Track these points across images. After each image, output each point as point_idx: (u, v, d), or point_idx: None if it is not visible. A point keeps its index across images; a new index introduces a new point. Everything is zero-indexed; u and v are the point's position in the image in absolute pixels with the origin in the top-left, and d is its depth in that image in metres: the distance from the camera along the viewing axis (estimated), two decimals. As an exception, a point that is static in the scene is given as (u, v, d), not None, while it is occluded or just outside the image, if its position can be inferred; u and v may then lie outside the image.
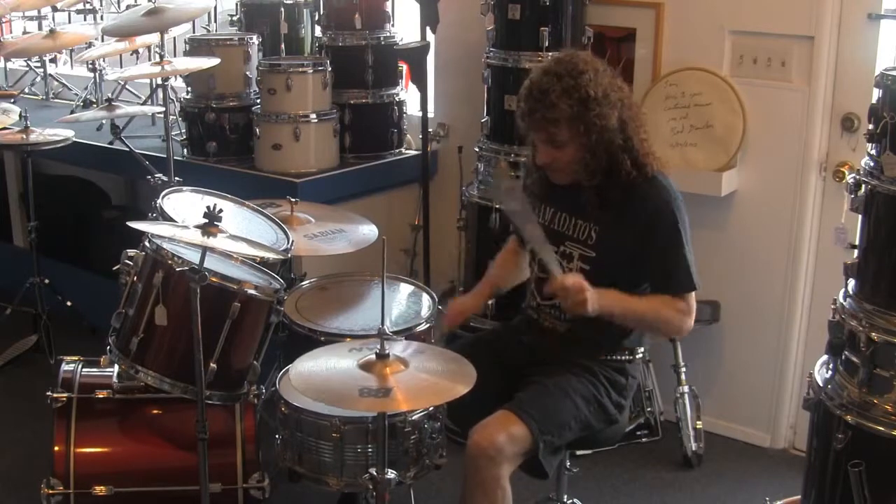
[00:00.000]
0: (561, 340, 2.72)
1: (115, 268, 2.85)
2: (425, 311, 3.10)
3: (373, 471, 2.48)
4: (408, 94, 4.41)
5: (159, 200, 2.97)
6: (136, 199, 5.39)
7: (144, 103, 4.89)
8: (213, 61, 3.81)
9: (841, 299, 2.28)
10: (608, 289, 2.54)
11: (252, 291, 2.70)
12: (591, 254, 2.63)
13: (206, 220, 2.44)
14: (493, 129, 3.82)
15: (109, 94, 4.47)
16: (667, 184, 2.62)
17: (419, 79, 4.09)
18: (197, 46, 4.16)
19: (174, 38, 4.70)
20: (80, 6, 5.35)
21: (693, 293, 2.59)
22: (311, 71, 4.05)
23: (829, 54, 3.41)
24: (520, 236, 2.93)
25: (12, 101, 4.86)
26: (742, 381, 3.81)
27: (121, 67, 5.26)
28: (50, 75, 5.46)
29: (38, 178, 4.53)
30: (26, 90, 5.59)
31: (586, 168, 2.57)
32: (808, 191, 3.54)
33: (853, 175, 2.24)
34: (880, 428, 2.11)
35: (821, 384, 2.27)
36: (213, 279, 2.58)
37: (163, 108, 3.88)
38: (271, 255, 2.75)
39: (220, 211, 2.45)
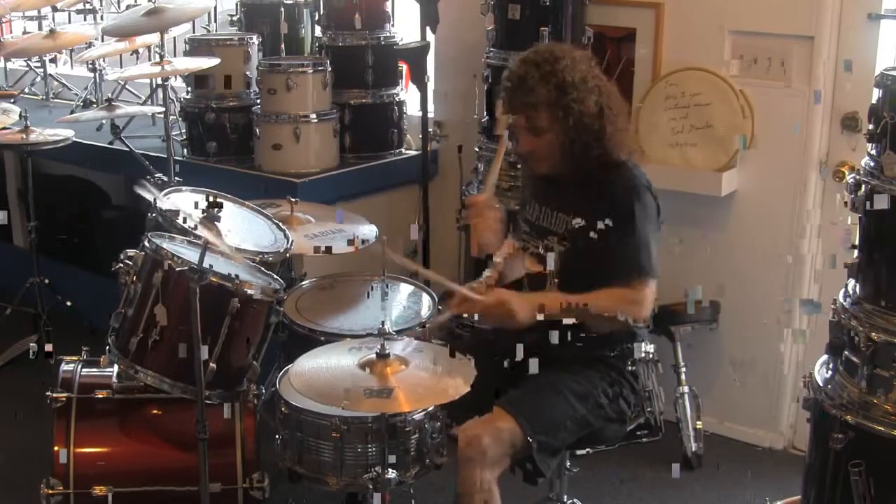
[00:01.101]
0: (556, 334, 2.70)
1: (114, 268, 2.85)
2: (425, 311, 3.10)
3: (373, 471, 2.48)
4: (408, 94, 4.41)
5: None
6: (137, 199, 5.36)
7: (144, 103, 4.89)
8: (213, 61, 3.81)
9: (841, 299, 2.28)
10: (548, 291, 2.58)
11: (252, 291, 2.70)
12: (567, 245, 2.66)
13: (206, 216, 2.43)
14: (492, 129, 3.81)
15: (109, 94, 4.47)
16: (635, 171, 2.63)
17: (419, 79, 4.09)
18: (197, 46, 4.16)
19: (174, 38, 4.70)
20: (80, 6, 5.35)
21: (650, 282, 2.55)
22: (311, 71, 4.05)
23: (829, 54, 3.41)
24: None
25: (12, 101, 4.85)
26: (742, 381, 3.80)
27: (121, 67, 5.26)
28: (50, 75, 5.46)
29: (38, 178, 4.53)
30: (26, 90, 5.59)
31: (565, 154, 2.60)
32: (808, 191, 3.54)
33: (853, 175, 2.24)
34: (880, 428, 2.11)
35: (821, 384, 2.27)
36: (213, 279, 2.58)
37: (163, 108, 3.88)
38: (271, 255, 2.74)
39: (220, 209, 2.44)
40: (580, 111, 2.55)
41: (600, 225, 2.58)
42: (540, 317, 2.50)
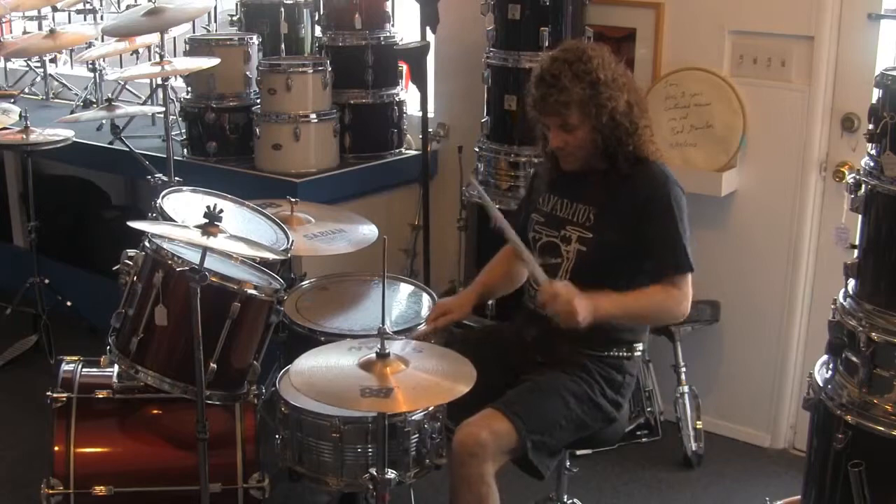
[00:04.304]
0: (558, 330, 2.71)
1: (115, 268, 2.85)
2: (425, 311, 3.10)
3: (373, 471, 2.49)
4: (408, 94, 4.41)
5: (159, 200, 2.97)
6: (136, 199, 5.39)
7: (144, 103, 4.89)
8: (213, 61, 3.80)
9: (841, 299, 2.28)
10: (598, 291, 2.55)
11: (252, 291, 2.70)
12: (589, 235, 2.66)
13: (206, 220, 2.44)
14: (493, 129, 3.82)
15: (109, 94, 4.46)
16: (665, 169, 2.67)
17: (419, 79, 4.09)
18: (197, 46, 4.16)
19: (174, 38, 4.70)
20: (80, 6, 5.35)
21: (688, 276, 2.60)
22: (311, 71, 4.05)
23: (829, 54, 3.41)
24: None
25: (12, 101, 4.86)
26: (742, 381, 3.81)
27: (121, 67, 5.26)
28: (50, 75, 5.46)
29: (38, 178, 4.53)
30: (26, 90, 5.59)
31: (597, 150, 2.62)
32: (808, 191, 3.54)
33: (853, 175, 2.24)
34: (880, 428, 2.11)
35: (821, 384, 2.27)
36: (213, 279, 2.58)
37: (163, 108, 3.88)
38: (271, 255, 2.74)
39: (221, 211, 2.45)
40: (612, 108, 2.57)
41: (630, 219, 2.60)
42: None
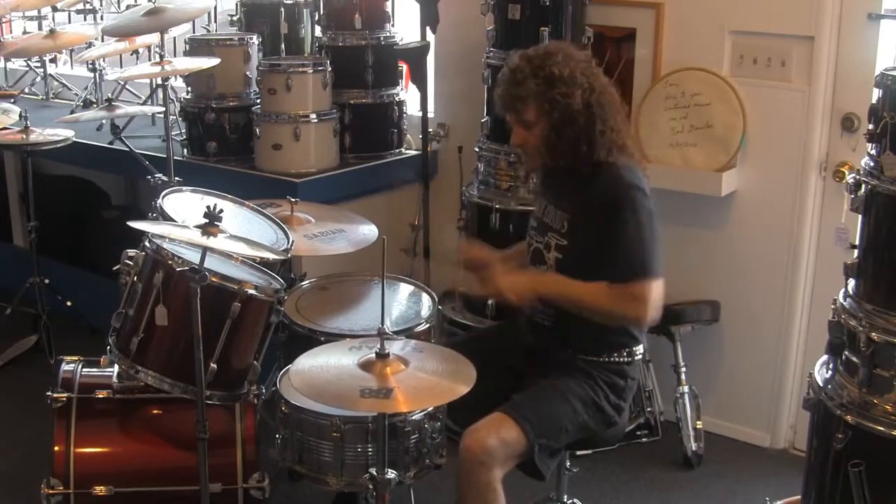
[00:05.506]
0: (551, 337, 2.71)
1: (115, 268, 2.85)
2: (425, 311, 3.10)
3: (373, 471, 2.49)
4: (408, 94, 4.41)
5: (159, 200, 2.97)
6: (136, 199, 5.39)
7: (144, 103, 4.89)
8: (213, 61, 3.80)
9: (841, 299, 2.28)
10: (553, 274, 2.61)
11: (252, 291, 2.70)
12: (564, 242, 2.66)
13: (206, 220, 2.44)
14: (493, 129, 3.82)
15: (109, 94, 4.46)
16: (624, 172, 2.58)
17: (419, 79, 4.09)
18: (197, 46, 4.16)
19: (174, 38, 4.70)
20: (80, 6, 5.35)
21: (649, 282, 2.50)
22: (311, 71, 4.05)
23: (829, 54, 3.41)
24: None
25: (12, 101, 4.86)
26: (742, 381, 3.81)
27: (121, 67, 5.26)
28: (50, 75, 5.46)
29: (38, 178, 4.53)
30: (26, 90, 5.59)
31: (551, 149, 2.61)
32: (808, 191, 3.54)
33: (853, 175, 2.24)
34: (880, 428, 2.11)
35: (821, 384, 2.27)
36: (214, 279, 2.58)
37: (163, 108, 3.88)
38: (271, 255, 2.74)
39: (221, 211, 2.45)
40: (566, 104, 2.55)
41: (593, 224, 2.58)
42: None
